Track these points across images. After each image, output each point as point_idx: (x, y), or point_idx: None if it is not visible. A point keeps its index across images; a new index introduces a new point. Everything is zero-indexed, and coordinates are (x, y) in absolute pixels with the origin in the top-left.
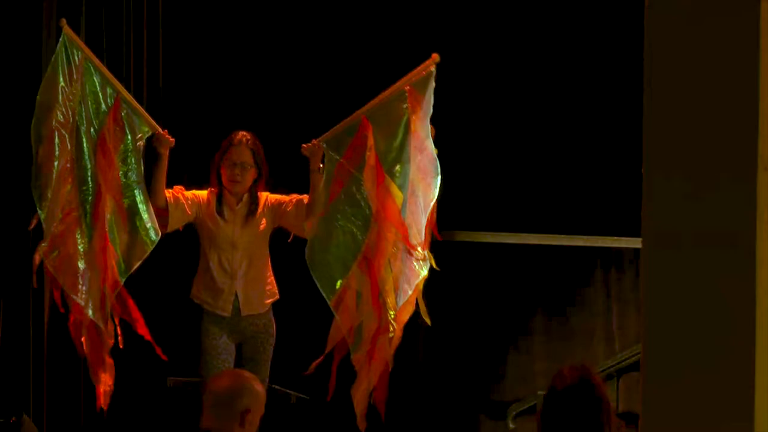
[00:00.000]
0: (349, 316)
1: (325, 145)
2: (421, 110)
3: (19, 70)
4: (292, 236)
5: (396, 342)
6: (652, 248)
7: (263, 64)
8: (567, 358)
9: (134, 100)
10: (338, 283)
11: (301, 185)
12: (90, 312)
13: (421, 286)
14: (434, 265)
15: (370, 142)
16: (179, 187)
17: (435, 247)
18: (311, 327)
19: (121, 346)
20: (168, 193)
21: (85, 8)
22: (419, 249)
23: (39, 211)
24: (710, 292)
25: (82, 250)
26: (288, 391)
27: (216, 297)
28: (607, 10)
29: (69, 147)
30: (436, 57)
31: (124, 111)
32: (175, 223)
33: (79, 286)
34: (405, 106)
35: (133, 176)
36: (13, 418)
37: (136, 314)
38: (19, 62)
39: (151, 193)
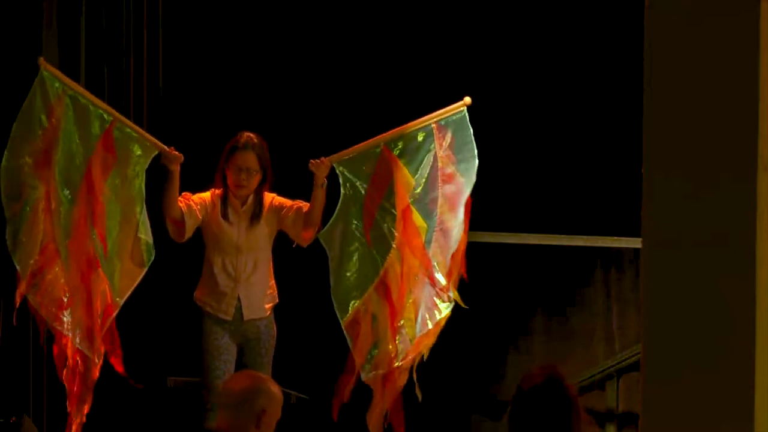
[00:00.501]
0: (362, 338)
1: (341, 167)
2: (449, 148)
3: (18, 70)
4: (295, 243)
5: (405, 373)
6: (652, 248)
7: (263, 64)
8: (567, 358)
9: (133, 124)
10: (352, 305)
11: (303, 186)
12: (77, 341)
13: (443, 323)
14: (461, 303)
15: (399, 175)
16: (186, 193)
17: (462, 285)
18: (311, 328)
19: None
20: (180, 202)
21: (85, 8)
22: (443, 284)
23: (13, 259)
24: (710, 292)
25: (63, 281)
26: (288, 391)
27: (219, 300)
28: (607, 10)
29: (40, 182)
30: (467, 100)
31: (117, 135)
32: (191, 231)
33: (63, 317)
34: (431, 140)
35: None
36: (13, 418)
37: (117, 345)
38: (18, 62)
39: (165, 207)
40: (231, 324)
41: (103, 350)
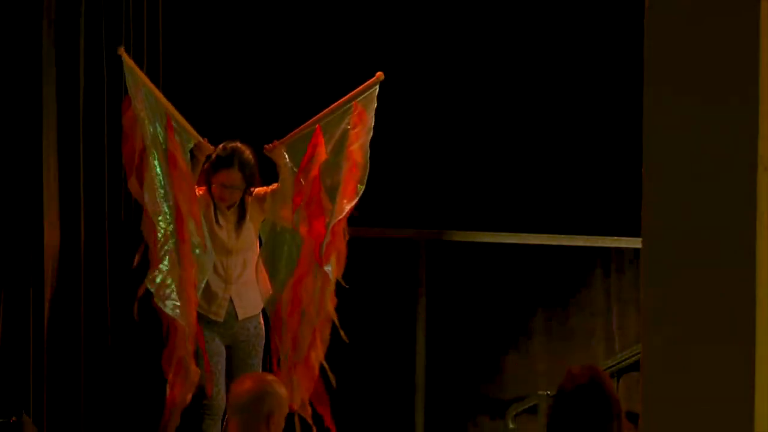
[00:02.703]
0: (280, 330)
1: (284, 149)
2: (362, 126)
3: (18, 69)
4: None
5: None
6: (652, 248)
7: (263, 64)
8: (567, 358)
9: (179, 113)
10: (279, 297)
11: None
12: (189, 341)
13: (331, 308)
14: (342, 282)
15: (318, 153)
16: None
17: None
18: None
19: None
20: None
21: (85, 8)
22: (327, 266)
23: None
24: (710, 292)
25: (174, 278)
26: None
27: (210, 301)
28: (607, 10)
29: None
30: (380, 75)
31: (175, 125)
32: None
33: (179, 315)
34: (347, 120)
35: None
36: (13, 418)
37: (202, 343)
38: (18, 61)
39: None
40: (221, 326)
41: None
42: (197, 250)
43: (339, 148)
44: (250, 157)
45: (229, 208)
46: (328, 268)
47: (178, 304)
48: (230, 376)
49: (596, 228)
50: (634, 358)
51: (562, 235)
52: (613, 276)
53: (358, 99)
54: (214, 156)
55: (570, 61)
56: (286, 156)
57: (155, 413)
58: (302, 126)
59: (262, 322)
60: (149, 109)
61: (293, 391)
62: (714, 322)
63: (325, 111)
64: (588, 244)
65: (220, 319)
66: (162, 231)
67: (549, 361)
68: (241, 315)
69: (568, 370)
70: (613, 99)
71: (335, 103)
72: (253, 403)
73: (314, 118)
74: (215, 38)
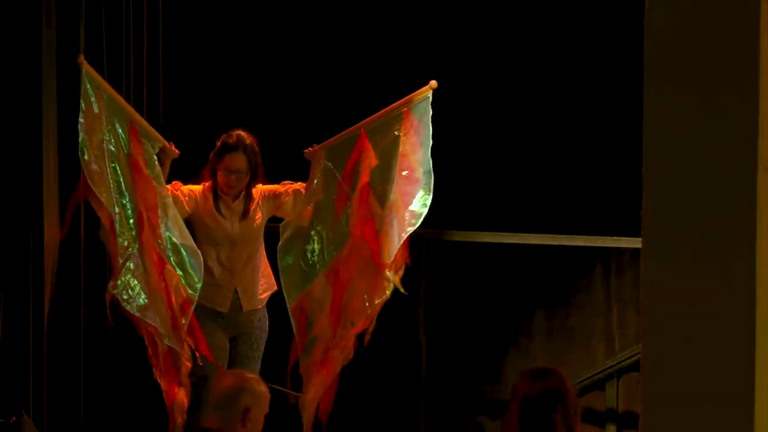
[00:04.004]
0: (305, 323)
1: (324, 153)
2: (414, 134)
3: (18, 69)
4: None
5: (346, 357)
6: (652, 248)
7: (263, 63)
8: (567, 358)
9: (142, 118)
10: (302, 289)
11: (298, 176)
12: (165, 339)
13: (379, 309)
14: (401, 289)
15: (365, 157)
16: (177, 182)
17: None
18: None
19: (200, 362)
20: (167, 190)
21: (85, 8)
22: (387, 270)
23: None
24: (710, 293)
25: (139, 281)
26: (286, 391)
27: (214, 293)
28: (607, 10)
29: (109, 179)
30: (433, 84)
31: (140, 130)
32: None
33: (149, 315)
34: (398, 126)
35: (159, 191)
36: (13, 418)
37: (200, 335)
38: (18, 61)
39: None
40: (226, 317)
41: (187, 345)
42: (183, 252)
43: (389, 155)
44: (255, 144)
45: (234, 199)
46: (389, 274)
47: (145, 304)
48: (233, 368)
49: (596, 228)
50: (634, 358)
51: (562, 235)
52: (613, 276)
53: (410, 106)
54: (219, 143)
55: (570, 61)
56: (326, 158)
57: (155, 413)
58: (346, 131)
59: (267, 317)
60: (111, 115)
61: (308, 382)
62: (714, 322)
63: (372, 117)
64: (588, 244)
65: (225, 310)
66: (123, 237)
67: (549, 361)
68: (246, 307)
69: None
70: (613, 99)
71: (383, 110)
72: (230, 398)
73: (360, 123)
74: (215, 38)
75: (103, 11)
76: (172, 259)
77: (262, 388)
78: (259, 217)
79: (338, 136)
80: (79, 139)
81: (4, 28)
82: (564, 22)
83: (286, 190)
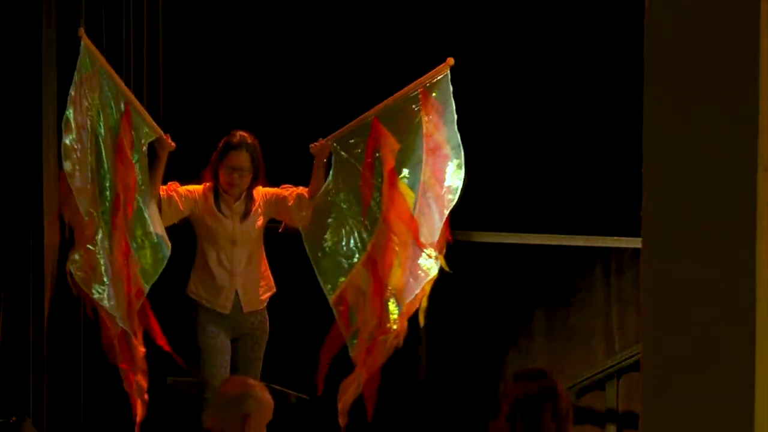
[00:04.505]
0: (348, 314)
1: (335, 144)
2: (435, 113)
3: (18, 69)
4: (283, 226)
5: (395, 342)
6: (652, 248)
7: (264, 62)
8: (567, 358)
9: (140, 105)
10: (341, 281)
11: (298, 175)
12: (119, 322)
13: (428, 288)
14: (446, 267)
15: (384, 143)
16: (174, 183)
17: (447, 250)
18: (311, 328)
19: (186, 368)
20: (162, 191)
21: (85, 8)
22: (430, 249)
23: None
24: (710, 292)
25: (103, 261)
26: (287, 391)
27: (216, 294)
28: (607, 10)
29: (89, 156)
30: (450, 61)
31: (134, 116)
32: (167, 221)
33: (105, 297)
34: (417, 108)
35: (141, 180)
36: (13, 418)
37: (156, 325)
38: (18, 61)
39: None
40: (227, 318)
41: (140, 331)
42: (154, 239)
43: (412, 137)
44: (257, 145)
45: (236, 200)
46: (432, 254)
47: (105, 287)
48: (234, 369)
49: (596, 228)
50: (634, 358)
51: (562, 235)
52: (613, 276)
53: (426, 86)
54: (222, 143)
55: (570, 61)
56: (339, 149)
57: (155, 413)
58: (355, 120)
59: (267, 318)
60: (106, 92)
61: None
62: (714, 322)
63: (382, 104)
64: (588, 244)
65: (227, 312)
66: (94, 212)
67: (549, 360)
68: (246, 308)
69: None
70: (613, 99)
71: (395, 94)
72: (232, 403)
73: (370, 111)
74: (215, 39)
75: (103, 11)
76: (136, 247)
77: (266, 396)
78: (259, 219)
79: (346, 127)
80: (66, 113)
81: (4, 28)
82: (564, 22)
83: (288, 194)
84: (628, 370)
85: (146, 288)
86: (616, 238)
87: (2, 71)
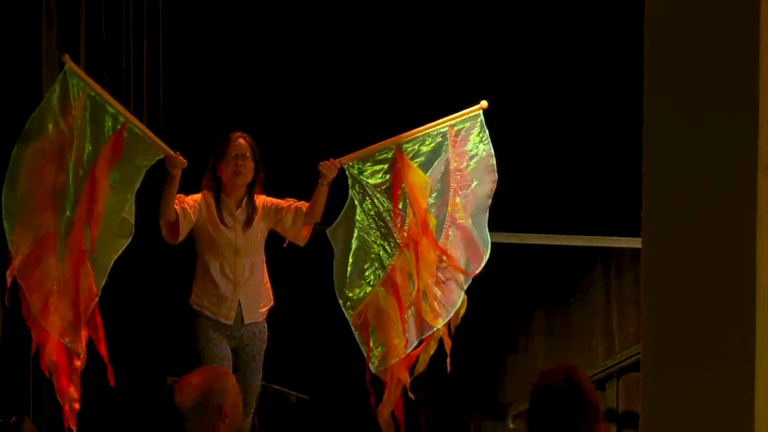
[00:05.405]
0: (368, 333)
1: (351, 170)
2: (460, 146)
3: (18, 70)
4: (287, 242)
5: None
6: (652, 248)
7: (264, 66)
8: (567, 358)
9: (144, 126)
10: (360, 303)
11: (302, 186)
12: (57, 335)
13: (462, 312)
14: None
15: (409, 173)
16: (180, 195)
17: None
18: (311, 328)
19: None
20: (175, 205)
21: (85, 8)
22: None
23: (7, 236)
24: (710, 292)
25: (55, 275)
26: (288, 391)
27: (219, 304)
28: (607, 10)
29: (55, 174)
30: (484, 104)
31: (127, 135)
32: (184, 233)
33: (49, 311)
34: (445, 143)
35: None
36: (13, 418)
37: (101, 333)
38: (18, 61)
39: (163, 209)
40: (229, 329)
41: (86, 339)
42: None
43: (433, 170)
44: (254, 141)
45: (237, 207)
46: (461, 279)
47: (51, 291)
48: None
49: (596, 228)
50: (634, 358)
51: (562, 235)
52: (613, 276)
53: (453, 123)
54: (219, 144)
55: (570, 61)
56: (356, 173)
57: (155, 413)
58: (371, 146)
59: (267, 327)
60: (92, 116)
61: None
62: (714, 322)
63: (406, 135)
64: (588, 244)
65: (230, 322)
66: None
67: (549, 360)
68: (247, 320)
69: (542, 372)
70: (613, 99)
71: (421, 128)
72: (199, 404)
73: (391, 139)
74: (215, 39)
75: (103, 11)
76: (91, 262)
77: (224, 383)
78: (261, 228)
79: (362, 151)
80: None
81: (4, 28)
82: (564, 22)
83: (288, 206)
84: (628, 370)
85: (99, 291)
86: (616, 238)
87: (2, 71)
